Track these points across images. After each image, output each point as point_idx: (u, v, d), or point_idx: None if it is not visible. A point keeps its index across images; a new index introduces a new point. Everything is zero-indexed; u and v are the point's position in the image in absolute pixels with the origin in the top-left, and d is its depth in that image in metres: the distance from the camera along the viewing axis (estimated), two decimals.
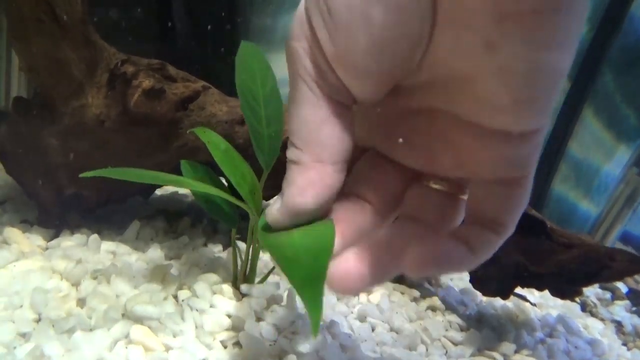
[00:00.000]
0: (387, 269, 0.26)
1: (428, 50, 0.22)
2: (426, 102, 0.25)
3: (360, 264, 0.25)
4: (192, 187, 0.46)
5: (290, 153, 0.25)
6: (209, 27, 1.06)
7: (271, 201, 0.27)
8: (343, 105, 0.24)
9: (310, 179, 0.25)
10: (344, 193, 0.27)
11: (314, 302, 0.24)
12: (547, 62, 0.20)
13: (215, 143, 0.49)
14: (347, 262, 0.25)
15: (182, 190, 0.84)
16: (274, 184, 0.51)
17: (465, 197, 0.28)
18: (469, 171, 0.26)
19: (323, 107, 0.24)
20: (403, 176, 0.28)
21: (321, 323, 0.53)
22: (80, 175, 0.39)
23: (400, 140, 0.27)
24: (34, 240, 0.57)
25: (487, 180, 0.25)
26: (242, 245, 0.62)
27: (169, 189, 0.83)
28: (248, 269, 0.54)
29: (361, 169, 0.28)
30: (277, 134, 0.49)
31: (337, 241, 0.26)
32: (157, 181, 0.44)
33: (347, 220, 0.27)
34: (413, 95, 0.25)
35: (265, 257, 0.64)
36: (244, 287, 0.53)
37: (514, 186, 0.25)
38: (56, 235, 0.60)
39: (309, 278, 0.24)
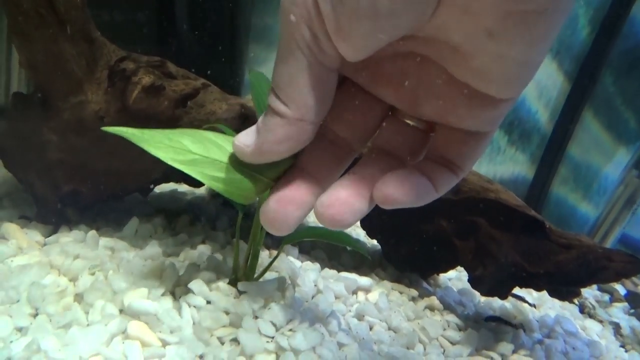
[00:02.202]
0: (365, 201, 0.27)
1: (429, 23, 0.23)
2: (420, 50, 0.26)
3: (347, 197, 0.27)
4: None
5: (274, 103, 0.26)
6: (210, 27, 1.06)
7: (243, 133, 0.28)
8: (332, 69, 0.26)
9: (289, 134, 0.26)
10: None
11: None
12: (537, 54, 0.23)
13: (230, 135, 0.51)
14: (334, 196, 0.27)
15: (182, 189, 0.84)
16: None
17: (432, 134, 0.29)
18: (447, 119, 0.27)
19: (314, 72, 0.25)
20: (381, 110, 0.29)
21: (318, 321, 0.53)
22: (103, 129, 0.40)
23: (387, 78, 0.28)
24: (32, 236, 0.57)
25: (460, 129, 0.27)
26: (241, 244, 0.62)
27: (168, 187, 0.83)
28: (248, 267, 0.54)
29: (338, 100, 0.28)
30: None
31: (310, 180, 0.28)
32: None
33: (319, 158, 0.29)
34: (408, 41, 0.25)
35: (264, 254, 0.64)
36: (241, 285, 0.53)
37: (481, 138, 0.28)
38: (54, 231, 0.60)
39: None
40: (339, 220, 0.27)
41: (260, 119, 0.27)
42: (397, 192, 0.26)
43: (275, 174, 0.29)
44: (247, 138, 0.27)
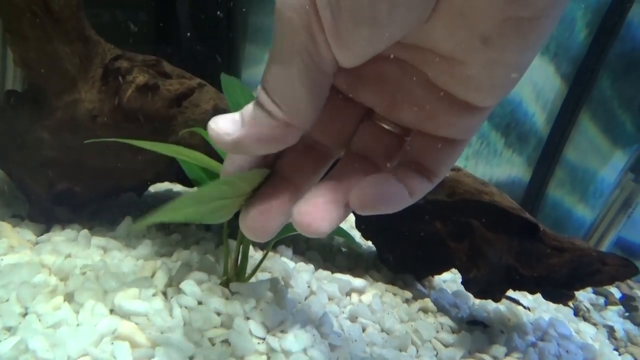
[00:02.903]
0: (342, 208, 0.27)
1: (421, 30, 0.23)
2: (403, 55, 0.26)
3: (324, 204, 0.27)
4: (195, 160, 0.47)
5: (265, 102, 0.25)
6: (206, 26, 1.06)
7: (223, 118, 0.27)
8: (328, 74, 0.25)
9: (276, 135, 0.26)
10: None
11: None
12: (528, 59, 0.24)
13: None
14: (311, 204, 0.27)
15: (176, 188, 0.83)
16: None
17: (407, 139, 0.29)
18: (424, 126, 0.27)
19: (311, 76, 0.25)
20: (358, 114, 0.29)
21: (311, 323, 0.53)
22: (85, 142, 0.40)
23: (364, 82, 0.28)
24: (24, 234, 0.57)
25: (437, 136, 0.27)
26: (232, 244, 0.62)
27: (162, 187, 0.82)
28: (238, 267, 0.54)
29: None
30: None
31: (288, 186, 0.28)
32: (170, 152, 0.45)
33: (298, 163, 0.29)
34: (392, 46, 0.25)
35: (256, 255, 0.64)
36: (233, 286, 0.52)
37: (457, 146, 0.28)
38: (47, 230, 0.60)
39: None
40: (315, 228, 0.26)
41: (247, 111, 0.26)
42: (373, 198, 0.26)
43: (251, 185, 0.28)
44: (228, 125, 0.26)
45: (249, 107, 0.26)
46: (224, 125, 0.26)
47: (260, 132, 0.26)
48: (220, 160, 0.52)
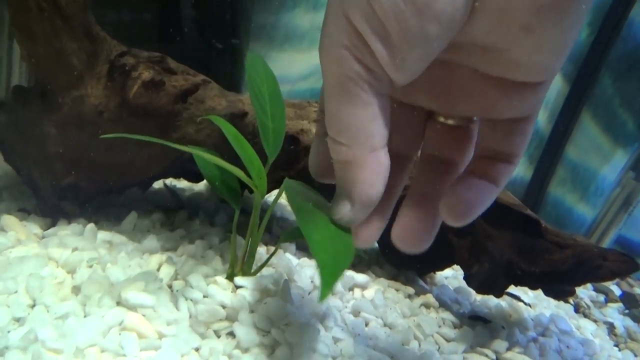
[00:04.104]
0: (434, 220, 0.30)
1: (462, 30, 0.24)
2: (444, 57, 0.26)
3: (416, 222, 0.29)
4: (211, 159, 0.48)
5: (339, 154, 0.26)
6: (210, 24, 1.06)
7: (335, 209, 0.29)
8: (386, 95, 0.26)
9: (373, 170, 0.26)
10: None
11: (330, 280, 0.26)
12: (572, 36, 0.24)
13: (228, 128, 0.52)
14: (405, 224, 0.30)
15: (180, 184, 0.84)
16: (272, 179, 0.53)
17: (473, 126, 0.30)
18: (487, 113, 0.28)
19: (374, 104, 0.25)
20: (422, 115, 0.30)
21: (314, 317, 0.53)
22: (101, 137, 0.43)
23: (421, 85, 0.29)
24: (31, 228, 0.58)
25: (504, 120, 0.28)
26: (238, 239, 0.63)
27: (167, 183, 0.83)
28: (245, 262, 0.55)
29: None
30: (279, 129, 0.53)
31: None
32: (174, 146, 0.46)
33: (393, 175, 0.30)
34: None
35: (260, 250, 0.65)
36: (238, 279, 0.53)
37: (527, 122, 0.28)
38: (53, 225, 0.60)
39: (334, 261, 0.27)
40: (415, 249, 0.30)
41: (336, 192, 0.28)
42: (464, 209, 0.28)
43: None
44: (340, 208, 0.28)
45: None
46: (343, 213, 0.28)
47: (364, 181, 0.27)
48: (229, 156, 0.53)
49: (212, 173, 0.57)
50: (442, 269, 0.72)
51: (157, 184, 0.80)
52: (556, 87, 1.12)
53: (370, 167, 0.26)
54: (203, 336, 0.46)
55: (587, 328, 0.77)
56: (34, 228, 0.58)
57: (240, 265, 0.55)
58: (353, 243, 0.29)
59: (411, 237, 0.30)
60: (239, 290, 0.52)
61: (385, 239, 0.73)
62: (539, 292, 0.67)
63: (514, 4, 0.22)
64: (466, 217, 0.29)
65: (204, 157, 0.48)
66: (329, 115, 0.26)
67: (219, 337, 0.47)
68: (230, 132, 0.52)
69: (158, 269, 0.54)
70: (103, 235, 0.58)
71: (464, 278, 0.66)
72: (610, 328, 0.80)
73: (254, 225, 0.53)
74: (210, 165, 0.57)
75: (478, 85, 0.27)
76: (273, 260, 0.62)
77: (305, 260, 0.66)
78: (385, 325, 0.59)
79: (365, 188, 0.27)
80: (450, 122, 0.30)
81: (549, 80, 0.27)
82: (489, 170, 0.29)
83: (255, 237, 0.54)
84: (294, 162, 0.64)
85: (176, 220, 0.69)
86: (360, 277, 0.66)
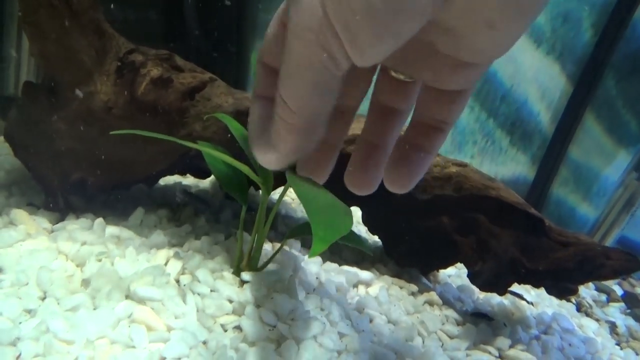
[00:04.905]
0: (379, 167, 0.34)
1: (431, 21, 0.26)
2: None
3: (365, 168, 0.34)
4: (219, 156, 0.48)
5: (284, 113, 0.28)
6: (216, 22, 1.07)
7: (259, 151, 0.32)
8: (342, 77, 0.27)
9: (308, 139, 0.29)
10: None
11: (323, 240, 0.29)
12: (527, 28, 0.26)
13: (234, 125, 0.53)
14: (354, 170, 0.34)
15: (186, 181, 0.85)
16: (277, 176, 0.54)
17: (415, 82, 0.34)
18: (433, 82, 0.31)
19: (328, 84, 0.27)
20: (370, 73, 0.34)
21: (320, 312, 0.54)
22: (111, 133, 0.42)
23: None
24: (40, 222, 0.58)
25: (443, 90, 0.32)
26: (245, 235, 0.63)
27: (172, 180, 0.84)
28: (251, 257, 0.55)
29: None
30: None
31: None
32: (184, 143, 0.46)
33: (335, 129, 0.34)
34: None
35: (266, 247, 0.65)
36: (245, 275, 0.54)
37: (464, 95, 0.32)
38: (61, 219, 0.61)
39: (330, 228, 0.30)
40: (364, 191, 0.35)
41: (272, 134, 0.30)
42: (404, 179, 0.33)
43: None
44: (268, 158, 0.32)
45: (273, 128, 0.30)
46: (265, 160, 0.32)
47: (290, 146, 0.30)
48: (235, 153, 0.54)
49: (219, 169, 0.57)
50: (445, 267, 0.73)
51: (163, 180, 0.80)
52: (560, 87, 1.13)
53: (305, 136, 0.29)
54: (210, 330, 0.47)
55: (589, 327, 0.77)
56: (43, 222, 0.58)
57: (246, 261, 0.55)
58: (351, 216, 0.33)
59: (359, 181, 0.34)
60: (245, 285, 0.53)
61: (389, 238, 0.73)
62: (542, 290, 0.67)
63: (482, 2, 0.24)
64: (409, 186, 0.33)
65: (212, 154, 0.48)
66: (287, 80, 0.28)
67: (225, 330, 0.48)
68: (236, 129, 0.52)
69: (165, 264, 0.54)
70: (111, 229, 0.59)
71: (468, 276, 0.67)
72: (612, 327, 0.80)
73: (260, 221, 0.54)
74: (218, 162, 0.57)
75: (432, 58, 0.29)
76: (279, 256, 0.62)
77: None
78: (389, 321, 0.59)
79: (293, 148, 0.30)
80: (401, 77, 0.33)
81: (491, 62, 0.30)
82: (423, 139, 0.33)
83: (262, 233, 0.54)
84: None
85: (182, 217, 0.69)
86: (365, 274, 0.66)
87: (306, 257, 0.67)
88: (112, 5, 0.91)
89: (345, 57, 0.25)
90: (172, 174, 0.74)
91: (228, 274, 0.54)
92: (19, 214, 0.58)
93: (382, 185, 0.35)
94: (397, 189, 0.33)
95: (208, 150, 0.47)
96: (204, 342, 0.45)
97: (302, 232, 0.58)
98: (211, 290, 0.51)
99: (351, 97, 0.34)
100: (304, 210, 0.85)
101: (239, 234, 0.55)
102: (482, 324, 0.63)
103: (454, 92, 0.31)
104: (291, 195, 0.93)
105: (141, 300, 0.47)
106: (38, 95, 0.60)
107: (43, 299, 0.45)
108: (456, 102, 0.32)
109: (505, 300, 0.73)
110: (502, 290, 0.65)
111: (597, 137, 1.15)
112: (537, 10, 0.25)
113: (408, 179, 0.33)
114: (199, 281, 0.52)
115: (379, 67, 0.34)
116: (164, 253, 0.56)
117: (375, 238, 0.77)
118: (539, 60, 1.09)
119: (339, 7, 0.24)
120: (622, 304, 0.93)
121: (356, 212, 0.77)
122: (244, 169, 0.48)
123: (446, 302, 0.68)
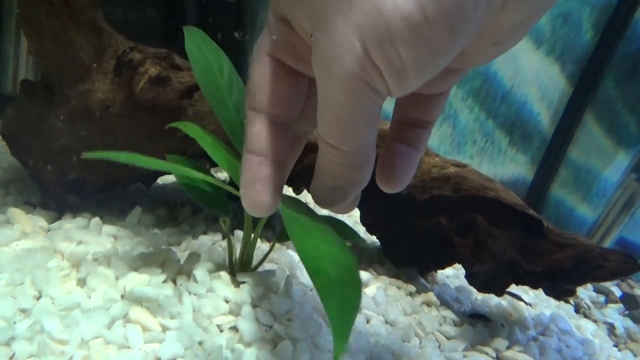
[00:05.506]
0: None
1: None
2: None
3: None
4: (187, 173, 0.46)
5: (339, 157, 0.29)
6: (216, 21, 1.06)
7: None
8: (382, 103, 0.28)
9: (365, 174, 0.30)
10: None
11: (342, 333, 0.23)
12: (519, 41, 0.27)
13: (202, 136, 0.49)
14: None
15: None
16: None
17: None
18: (424, 89, 0.31)
19: (374, 116, 0.27)
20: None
21: (317, 313, 0.54)
22: (83, 156, 0.39)
23: None
24: (37, 221, 0.58)
25: (425, 94, 0.32)
26: (239, 233, 0.63)
27: (170, 178, 0.83)
28: (245, 258, 0.55)
29: (281, 89, 0.32)
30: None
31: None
32: (155, 166, 0.44)
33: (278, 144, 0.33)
34: None
35: (263, 247, 0.65)
36: (241, 275, 0.53)
37: (444, 96, 0.33)
38: (58, 218, 0.61)
39: (342, 307, 0.24)
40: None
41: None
42: (399, 176, 0.33)
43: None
44: (337, 200, 0.32)
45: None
46: (340, 207, 0.33)
47: (357, 183, 0.30)
48: (235, 151, 0.53)
49: (194, 189, 0.54)
50: (443, 267, 0.72)
51: (162, 179, 0.80)
52: (560, 88, 1.13)
53: (366, 168, 0.29)
54: (206, 330, 0.47)
55: (587, 328, 0.77)
56: (40, 221, 0.58)
57: (240, 261, 0.55)
58: (361, 288, 0.27)
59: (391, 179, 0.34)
60: (242, 286, 0.52)
61: (387, 238, 0.73)
62: (540, 292, 0.67)
63: (495, 26, 0.25)
64: (402, 184, 0.33)
65: (185, 174, 0.45)
66: (333, 124, 0.27)
67: (222, 331, 0.48)
68: (206, 140, 0.50)
69: (162, 264, 0.54)
70: (108, 229, 0.59)
71: (466, 276, 0.67)
72: (610, 328, 0.80)
73: (248, 223, 0.53)
74: (222, 156, 0.55)
75: None
76: (275, 256, 0.62)
77: None
78: (386, 322, 0.59)
79: (359, 182, 0.30)
80: None
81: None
82: (411, 137, 0.33)
83: (255, 233, 0.54)
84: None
85: (180, 216, 0.69)
86: (362, 275, 0.66)
87: None
88: (111, 4, 0.91)
89: (385, 87, 0.25)
90: (170, 173, 0.74)
91: (225, 274, 0.54)
92: (16, 212, 0.57)
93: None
94: (389, 189, 0.33)
95: (178, 171, 0.45)
96: (200, 343, 0.45)
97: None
98: (207, 291, 0.51)
99: (287, 108, 0.33)
100: None
101: (228, 238, 0.54)
102: (479, 325, 0.63)
103: (435, 95, 0.32)
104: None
105: (137, 300, 0.46)
106: (36, 93, 0.60)
107: (38, 298, 0.45)
108: (437, 104, 0.33)
109: (503, 301, 0.73)
110: (500, 291, 0.64)
111: (597, 138, 1.15)
112: (536, 22, 0.26)
113: (399, 178, 0.33)
114: (195, 281, 0.51)
115: None
116: (161, 253, 0.56)
117: (374, 238, 0.77)
118: (539, 61, 1.09)
119: (379, 40, 0.23)
120: (621, 306, 0.93)
121: (355, 212, 0.77)
122: (215, 181, 0.46)
123: (444, 303, 0.67)
